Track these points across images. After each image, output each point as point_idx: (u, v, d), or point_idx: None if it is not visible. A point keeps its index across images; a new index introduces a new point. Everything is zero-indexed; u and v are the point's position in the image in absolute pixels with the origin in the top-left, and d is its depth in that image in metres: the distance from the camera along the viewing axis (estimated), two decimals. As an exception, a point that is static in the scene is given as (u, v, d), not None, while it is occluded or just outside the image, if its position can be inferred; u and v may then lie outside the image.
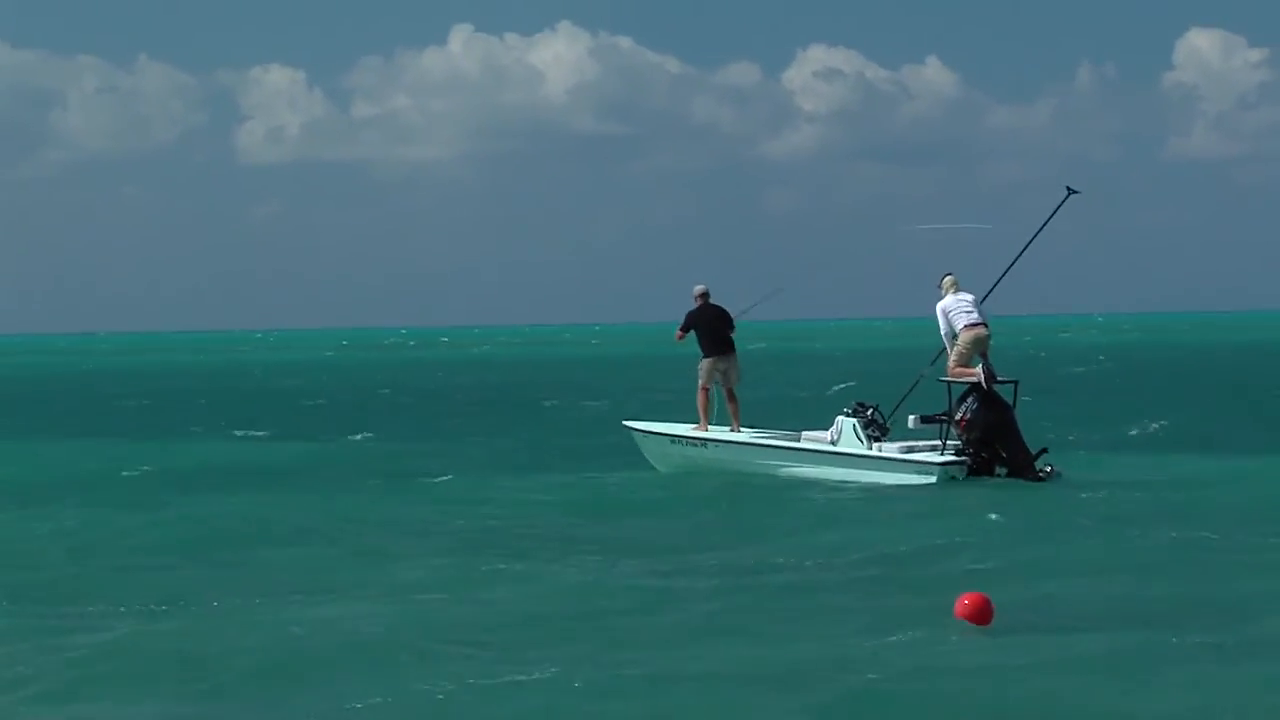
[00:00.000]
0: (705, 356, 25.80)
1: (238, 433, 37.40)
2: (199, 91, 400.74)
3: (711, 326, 25.90)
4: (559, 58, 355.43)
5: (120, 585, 16.05)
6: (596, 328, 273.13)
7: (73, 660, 12.62)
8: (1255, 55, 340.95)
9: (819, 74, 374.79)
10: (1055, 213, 25.35)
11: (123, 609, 14.79)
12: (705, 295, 26.00)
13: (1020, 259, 25.19)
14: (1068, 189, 25.46)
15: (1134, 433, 33.15)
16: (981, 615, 13.20)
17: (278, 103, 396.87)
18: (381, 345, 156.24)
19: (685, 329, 25.88)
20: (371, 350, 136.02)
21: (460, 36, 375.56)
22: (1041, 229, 25.35)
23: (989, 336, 24.59)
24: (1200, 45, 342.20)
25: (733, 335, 26.02)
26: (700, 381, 25.84)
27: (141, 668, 12.40)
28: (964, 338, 24.45)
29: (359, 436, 35.84)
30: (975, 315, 24.56)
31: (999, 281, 25.24)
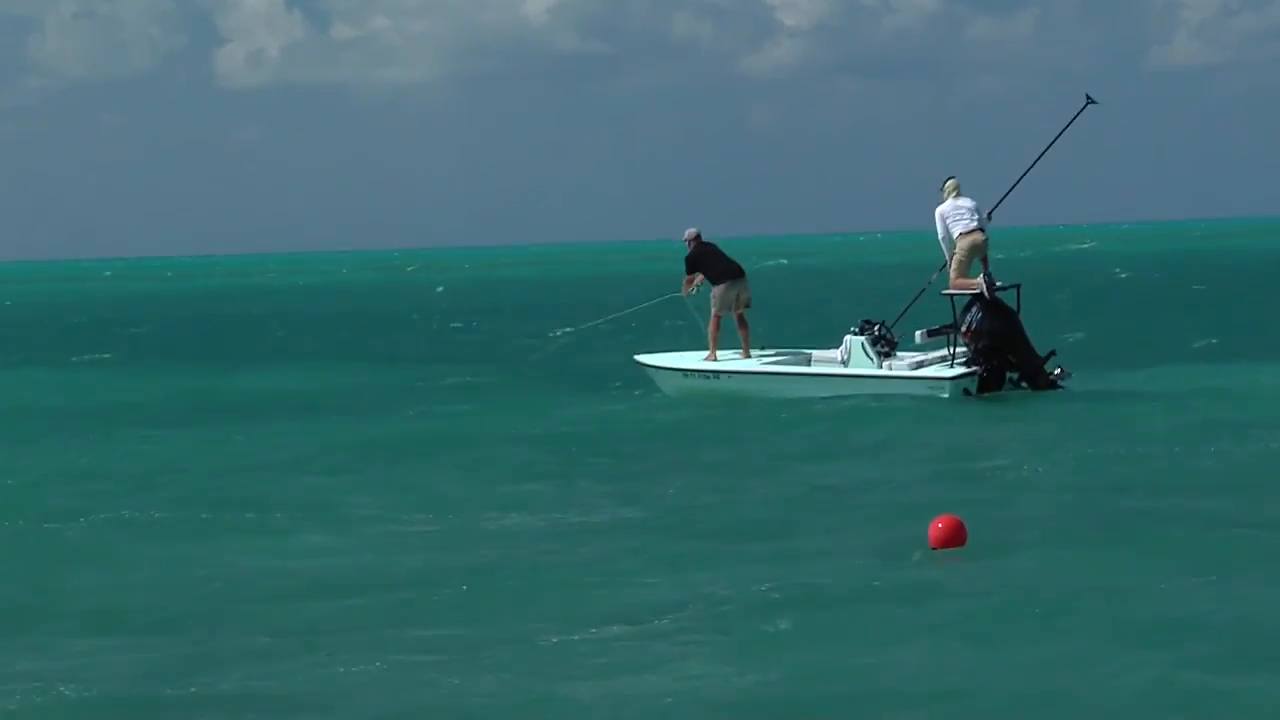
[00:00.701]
0: (716, 284, 25.94)
1: (271, 361, 37.54)
2: (177, 15, 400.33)
3: (716, 257, 26.15)
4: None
5: (143, 511, 16.47)
6: (596, 246, 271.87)
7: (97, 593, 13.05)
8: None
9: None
10: (1072, 122, 25.36)
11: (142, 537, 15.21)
12: (698, 236, 26.21)
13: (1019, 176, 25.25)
14: (1087, 97, 25.35)
15: (1177, 344, 32.86)
16: (955, 538, 13.46)
17: (256, 25, 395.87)
18: (383, 267, 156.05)
19: (691, 270, 26.11)
20: (374, 272, 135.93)
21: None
22: (1058, 137, 25.38)
23: (986, 241, 24.59)
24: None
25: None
26: (714, 310, 25.86)
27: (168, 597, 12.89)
28: (960, 245, 24.46)
29: (380, 362, 36.22)
30: (971, 221, 24.54)
31: (1012, 189, 25.22)
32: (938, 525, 13.55)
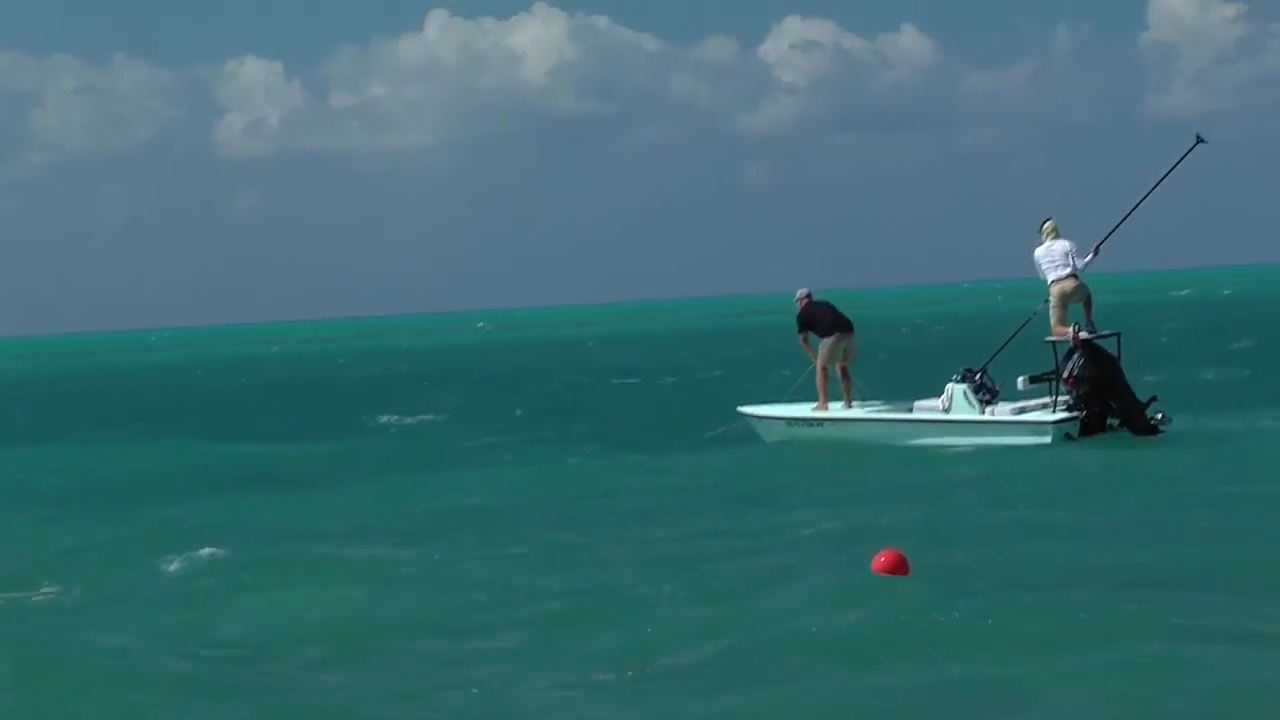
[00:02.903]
0: (825, 337, 26.38)
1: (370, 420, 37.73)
2: (176, 86, 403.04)
3: (827, 312, 26.64)
4: (536, 40, 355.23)
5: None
6: (624, 306, 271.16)
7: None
8: (1231, 10, 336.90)
9: (796, 46, 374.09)
10: (1180, 161, 25.10)
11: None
12: (809, 296, 26.72)
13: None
14: (1197, 136, 25.23)
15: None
16: (897, 568, 13.91)
17: (256, 94, 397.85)
18: (443, 330, 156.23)
19: (802, 329, 26.60)
20: (428, 336, 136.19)
21: (436, 22, 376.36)
22: (1165, 177, 25.21)
23: (1078, 288, 24.66)
24: (1174, 2, 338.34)
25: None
26: (820, 361, 26.34)
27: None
28: (1052, 292, 24.65)
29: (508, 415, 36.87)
30: (1063, 268, 24.63)
31: (1115, 229, 25.04)
32: (880, 559, 14.08)
